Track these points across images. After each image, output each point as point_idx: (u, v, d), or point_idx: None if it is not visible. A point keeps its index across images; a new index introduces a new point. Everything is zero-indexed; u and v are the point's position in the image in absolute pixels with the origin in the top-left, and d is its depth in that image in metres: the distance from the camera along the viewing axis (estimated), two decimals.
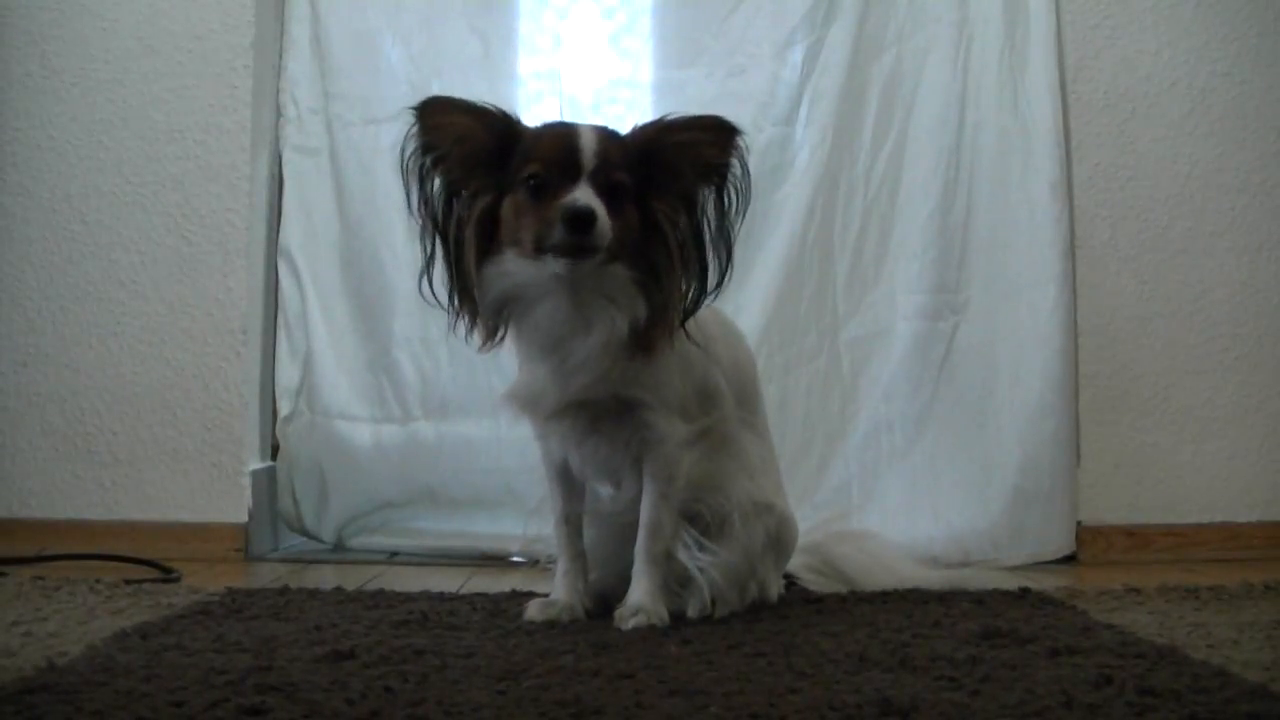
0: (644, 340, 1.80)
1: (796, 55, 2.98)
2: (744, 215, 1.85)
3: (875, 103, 2.96)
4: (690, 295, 1.83)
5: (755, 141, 2.97)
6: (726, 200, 1.83)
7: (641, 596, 1.86)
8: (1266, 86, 2.93)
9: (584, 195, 1.72)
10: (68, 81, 2.86)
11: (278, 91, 2.99)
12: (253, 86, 2.86)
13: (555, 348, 1.83)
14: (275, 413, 2.97)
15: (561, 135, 1.80)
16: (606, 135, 1.80)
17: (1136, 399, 2.89)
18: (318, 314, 2.97)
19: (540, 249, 1.74)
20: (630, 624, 1.82)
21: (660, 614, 1.85)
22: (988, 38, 2.94)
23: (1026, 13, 2.93)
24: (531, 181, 1.76)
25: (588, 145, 1.76)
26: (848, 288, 2.95)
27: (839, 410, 2.93)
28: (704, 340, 1.92)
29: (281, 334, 2.97)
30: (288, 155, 2.99)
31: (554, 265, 1.74)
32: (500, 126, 1.82)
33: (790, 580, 2.18)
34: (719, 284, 1.86)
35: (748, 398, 2.08)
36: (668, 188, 1.81)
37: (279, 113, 2.99)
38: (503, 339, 1.86)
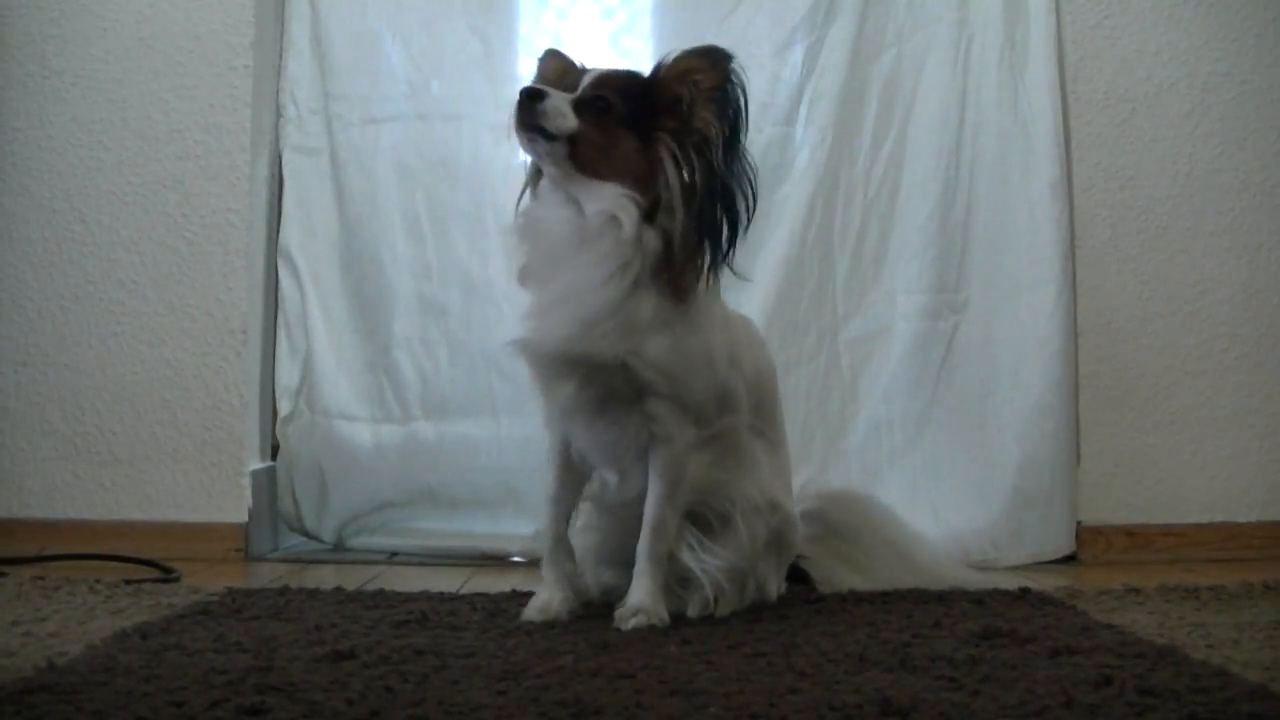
0: (669, 281, 1.81)
1: (796, 55, 2.98)
2: (744, 149, 1.85)
3: (875, 103, 2.96)
4: (708, 241, 1.83)
5: (755, 141, 2.97)
6: (736, 138, 1.83)
7: (642, 597, 1.85)
8: (1266, 86, 2.93)
9: (553, 93, 1.84)
10: (68, 81, 2.86)
11: (278, 91, 2.99)
12: (253, 86, 2.86)
13: (557, 262, 1.84)
14: (275, 413, 2.97)
15: (567, 61, 1.98)
16: (608, 70, 1.93)
17: (1136, 399, 2.89)
18: (317, 314, 2.97)
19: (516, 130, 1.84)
20: (630, 624, 1.81)
21: (660, 614, 1.84)
22: (988, 38, 2.94)
23: (1026, 13, 2.93)
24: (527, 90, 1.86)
25: (585, 71, 1.93)
26: (847, 287, 2.95)
27: (839, 410, 2.93)
28: (731, 345, 1.92)
29: (281, 334, 2.97)
30: (288, 155, 2.99)
31: (521, 142, 1.84)
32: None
33: (795, 568, 2.16)
34: (735, 232, 1.84)
35: (765, 408, 2.06)
36: (670, 121, 1.84)
37: (279, 113, 2.99)
38: None
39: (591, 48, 3.05)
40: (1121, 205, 2.91)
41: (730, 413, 1.94)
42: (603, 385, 1.84)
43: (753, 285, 2.92)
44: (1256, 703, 1.35)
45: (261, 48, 2.90)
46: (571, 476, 1.98)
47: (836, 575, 2.22)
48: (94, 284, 2.84)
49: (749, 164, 1.86)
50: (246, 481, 2.80)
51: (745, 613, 1.94)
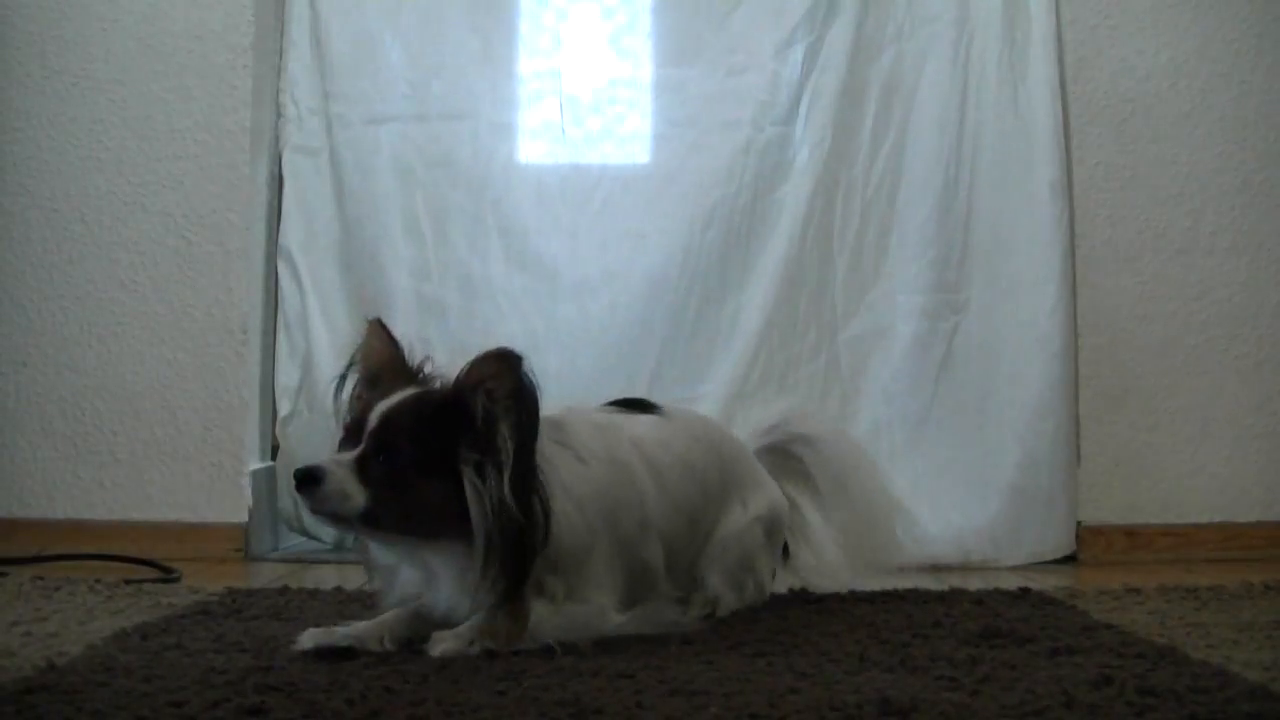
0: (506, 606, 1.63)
1: (796, 54, 2.98)
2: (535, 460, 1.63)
3: (875, 102, 2.96)
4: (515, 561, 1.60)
5: (755, 141, 2.99)
6: (529, 450, 1.61)
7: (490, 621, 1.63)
8: (1266, 86, 2.93)
9: (330, 469, 1.62)
10: (68, 81, 2.86)
11: (278, 91, 2.99)
12: (253, 86, 2.86)
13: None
14: (275, 413, 2.97)
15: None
16: (394, 404, 1.66)
17: (1136, 399, 2.89)
18: (317, 314, 2.97)
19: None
20: (440, 650, 1.60)
21: (484, 644, 1.61)
22: (988, 38, 2.94)
23: (1026, 13, 2.93)
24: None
25: (374, 414, 1.66)
26: (847, 287, 2.95)
27: (839, 410, 2.92)
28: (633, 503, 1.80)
29: (281, 334, 2.97)
30: (288, 155, 2.99)
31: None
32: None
33: None
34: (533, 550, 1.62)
35: (733, 485, 2.00)
36: (470, 442, 1.62)
37: (279, 113, 2.99)
38: None
39: (591, 48, 3.06)
40: (1121, 205, 2.91)
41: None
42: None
43: (752, 285, 2.94)
44: (1256, 703, 1.35)
45: (261, 48, 2.90)
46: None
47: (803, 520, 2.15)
48: (94, 284, 2.84)
49: (540, 479, 1.63)
50: (246, 481, 2.80)
51: (745, 613, 1.94)
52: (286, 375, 2.97)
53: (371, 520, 1.63)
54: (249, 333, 2.85)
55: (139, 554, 2.53)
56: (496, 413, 1.61)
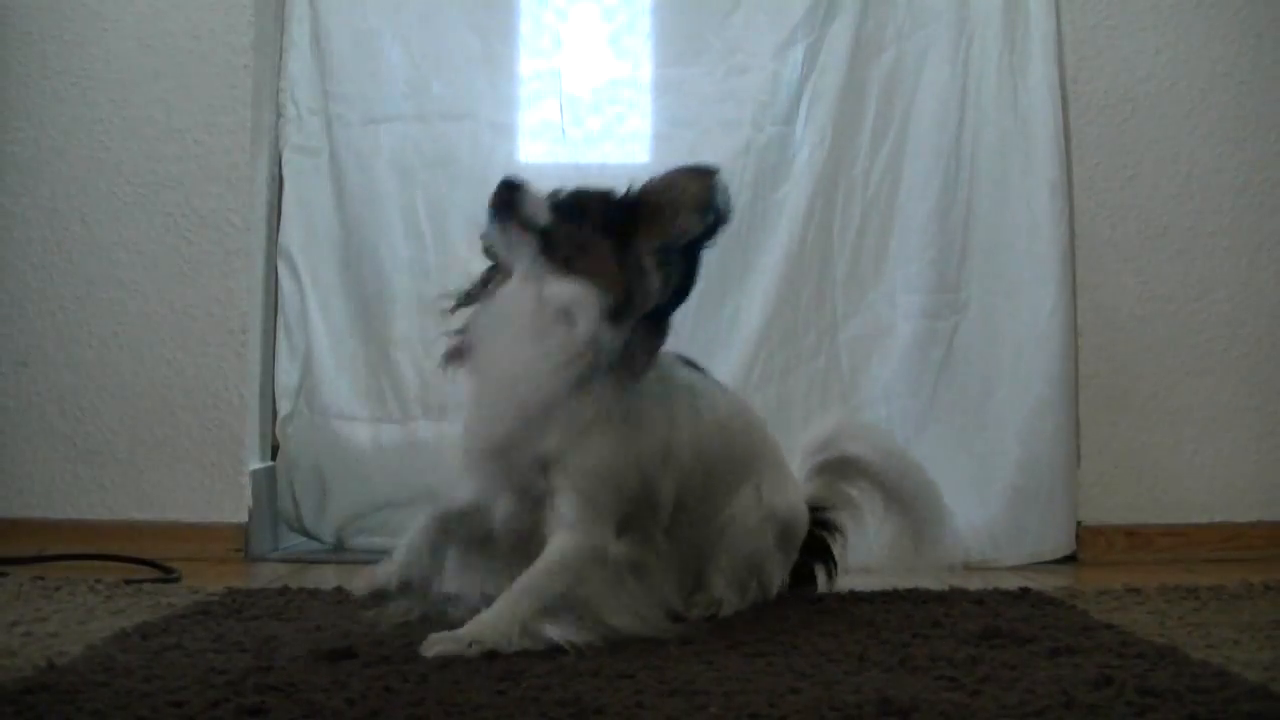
0: (625, 368, 1.75)
1: (796, 54, 2.97)
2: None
3: (875, 102, 2.96)
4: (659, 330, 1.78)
5: (755, 141, 2.99)
6: (710, 237, 1.78)
7: (493, 622, 1.63)
8: (1266, 86, 2.93)
9: (532, 186, 1.82)
10: (68, 81, 2.86)
11: (278, 91, 2.99)
12: (253, 86, 2.86)
13: (504, 346, 1.79)
14: (275, 413, 2.97)
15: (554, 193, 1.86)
16: (591, 188, 1.85)
17: (1136, 399, 2.89)
18: (317, 314, 2.97)
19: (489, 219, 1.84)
20: (434, 650, 1.59)
21: (504, 646, 1.61)
22: (987, 37, 2.94)
23: (1026, 13, 2.93)
24: None
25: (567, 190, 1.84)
26: (847, 287, 2.96)
27: (839, 410, 2.92)
28: (668, 444, 1.85)
29: (281, 334, 2.98)
30: (288, 155, 2.99)
31: (492, 233, 1.84)
32: None
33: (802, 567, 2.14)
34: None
35: (754, 459, 2.03)
36: (650, 228, 1.77)
37: (279, 113, 2.99)
38: None
39: (591, 48, 3.06)
40: (1121, 205, 2.91)
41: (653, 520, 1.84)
42: (528, 478, 1.77)
43: (752, 285, 2.94)
44: (1256, 703, 1.35)
45: (261, 48, 2.90)
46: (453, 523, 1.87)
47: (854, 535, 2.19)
48: (94, 284, 2.84)
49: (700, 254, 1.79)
50: (246, 481, 2.80)
51: (746, 613, 1.94)
52: (286, 375, 2.97)
53: (546, 239, 1.78)
54: (249, 332, 2.85)
55: (139, 554, 2.53)
56: (682, 209, 1.75)
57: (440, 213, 2.98)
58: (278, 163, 2.99)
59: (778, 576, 2.03)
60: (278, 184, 2.99)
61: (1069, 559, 2.81)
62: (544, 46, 3.07)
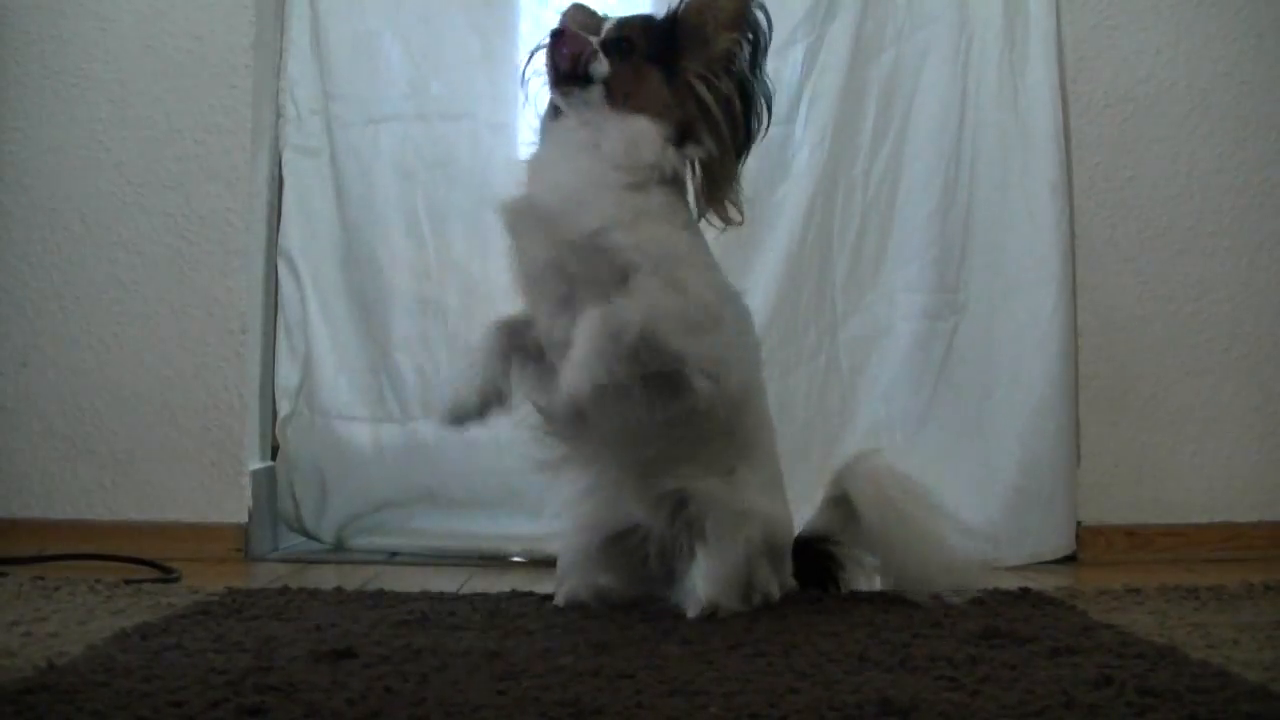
0: (708, 196, 1.89)
1: (796, 54, 2.97)
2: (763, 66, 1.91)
3: (875, 102, 2.96)
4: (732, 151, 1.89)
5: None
6: (759, 50, 1.89)
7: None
8: (1266, 86, 2.93)
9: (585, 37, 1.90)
10: (68, 81, 2.86)
11: (278, 91, 2.99)
12: (253, 86, 2.86)
13: (567, 159, 1.90)
14: (275, 413, 2.97)
15: (590, 12, 2.01)
16: (627, 15, 2.00)
17: (1136, 399, 2.89)
18: (317, 314, 2.97)
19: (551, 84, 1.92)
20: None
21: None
22: (987, 38, 2.93)
23: (1026, 13, 2.93)
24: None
25: (607, 19, 1.97)
26: (847, 287, 2.95)
27: (838, 410, 2.92)
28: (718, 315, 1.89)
29: (281, 334, 2.98)
30: (288, 155, 2.99)
31: (555, 98, 1.92)
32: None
33: (821, 568, 2.13)
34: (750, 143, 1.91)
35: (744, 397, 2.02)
36: (694, 52, 1.89)
37: (279, 113, 2.99)
38: None
39: None
40: (1121, 205, 2.91)
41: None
42: (580, 266, 1.81)
43: (751, 284, 2.92)
44: (1256, 703, 1.35)
45: (261, 48, 2.90)
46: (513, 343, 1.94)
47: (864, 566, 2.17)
48: (94, 284, 2.84)
49: (766, 80, 1.91)
50: (246, 481, 2.80)
51: (745, 613, 1.94)
52: (286, 375, 2.97)
53: (607, 87, 1.88)
54: (249, 333, 2.85)
55: (139, 554, 2.53)
56: (721, 26, 1.87)
57: (440, 213, 2.99)
58: (278, 163, 2.99)
59: (772, 581, 1.99)
60: (278, 184, 2.99)
61: (1069, 559, 2.81)
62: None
